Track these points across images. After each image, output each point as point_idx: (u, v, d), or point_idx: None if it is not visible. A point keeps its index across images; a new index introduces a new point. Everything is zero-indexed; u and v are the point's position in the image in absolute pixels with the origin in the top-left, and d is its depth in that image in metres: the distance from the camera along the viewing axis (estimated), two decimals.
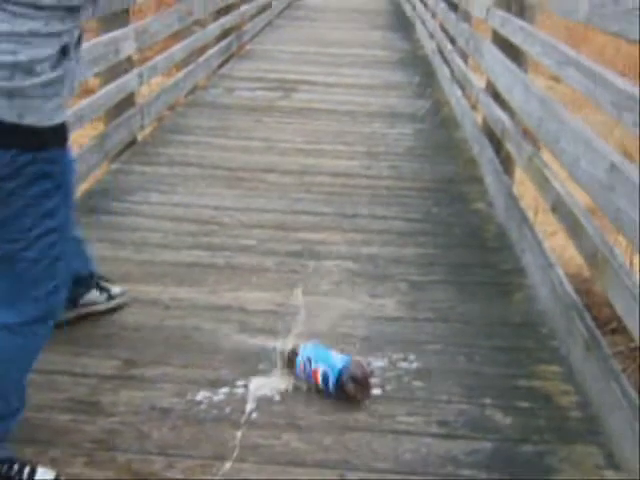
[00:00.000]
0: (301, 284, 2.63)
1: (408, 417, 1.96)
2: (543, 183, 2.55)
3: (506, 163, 3.26)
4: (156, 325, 2.38)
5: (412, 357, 2.22)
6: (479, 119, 4.06)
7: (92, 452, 1.80)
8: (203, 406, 1.98)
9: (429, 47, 7.37)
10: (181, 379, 2.09)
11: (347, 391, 2.00)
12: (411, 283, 2.71)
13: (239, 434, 1.88)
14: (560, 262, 2.54)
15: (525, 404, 2.03)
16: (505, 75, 3.27)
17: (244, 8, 7.81)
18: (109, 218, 3.22)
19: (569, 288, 2.26)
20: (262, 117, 4.91)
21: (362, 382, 2.02)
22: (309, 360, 2.06)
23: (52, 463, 1.75)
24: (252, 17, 8.45)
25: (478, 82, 4.16)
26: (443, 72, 5.90)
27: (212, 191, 3.58)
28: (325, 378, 2.02)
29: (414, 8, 9.72)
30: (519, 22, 3.15)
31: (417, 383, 2.10)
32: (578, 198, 2.25)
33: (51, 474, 1.69)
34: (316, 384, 2.04)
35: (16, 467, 1.66)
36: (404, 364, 2.19)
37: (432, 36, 7.10)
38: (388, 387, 2.08)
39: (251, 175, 3.79)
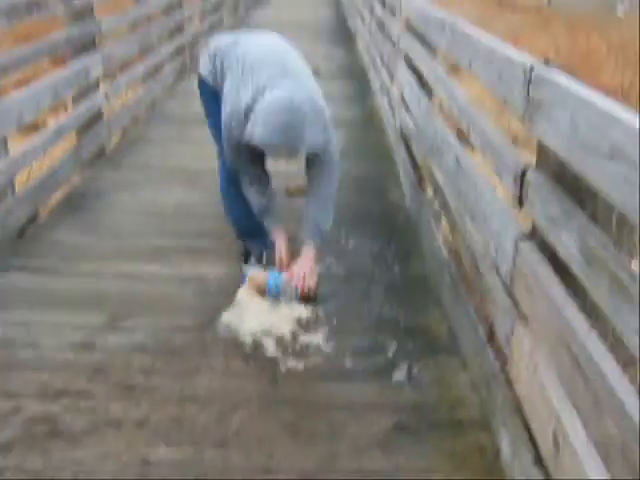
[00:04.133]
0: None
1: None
2: (429, 172, 3.33)
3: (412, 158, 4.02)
4: (133, 291, 3.08)
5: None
6: (397, 124, 4.82)
7: (90, 376, 2.50)
8: (172, 340, 2.70)
9: (366, 60, 8.15)
10: (154, 325, 2.81)
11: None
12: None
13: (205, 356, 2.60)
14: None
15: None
16: (408, 90, 4.05)
17: (196, 27, 8.51)
18: (89, 215, 3.90)
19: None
20: None
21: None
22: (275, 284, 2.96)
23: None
24: (205, 34, 9.14)
25: (395, 94, 4.93)
26: (375, 84, 6.68)
27: (172, 190, 4.29)
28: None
29: (363, 21, 10.48)
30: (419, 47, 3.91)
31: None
32: None
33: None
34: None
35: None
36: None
37: (368, 51, 7.88)
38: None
39: (204, 176, 4.48)
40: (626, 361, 1.42)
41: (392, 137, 5.04)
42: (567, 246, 1.52)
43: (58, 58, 4.70)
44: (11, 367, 2.53)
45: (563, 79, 1.58)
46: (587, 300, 1.52)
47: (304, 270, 2.91)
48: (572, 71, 1.62)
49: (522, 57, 1.89)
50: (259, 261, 3.17)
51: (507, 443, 1.94)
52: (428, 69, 3.48)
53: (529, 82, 1.76)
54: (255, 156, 2.86)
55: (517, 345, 1.85)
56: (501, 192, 2.20)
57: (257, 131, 2.57)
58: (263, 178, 3.00)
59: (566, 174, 1.63)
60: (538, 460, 1.71)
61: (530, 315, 1.77)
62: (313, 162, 2.90)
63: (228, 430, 2.24)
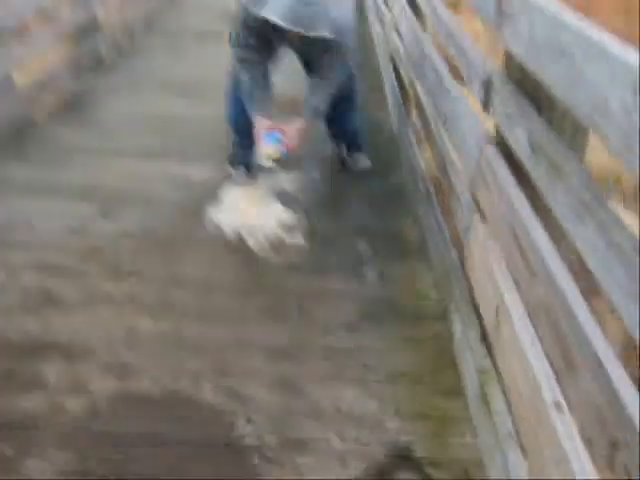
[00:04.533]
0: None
1: None
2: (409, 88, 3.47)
3: (399, 80, 4.15)
4: (123, 186, 3.26)
5: None
6: (388, 48, 4.92)
7: (83, 257, 2.69)
8: (160, 230, 2.89)
9: None
10: (143, 216, 2.99)
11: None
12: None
13: None
14: None
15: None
16: (402, 16, 4.15)
17: None
18: (85, 117, 4.06)
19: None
20: (207, 40, 5.70)
21: None
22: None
23: None
24: None
25: (389, 20, 5.01)
26: (370, 9, 6.72)
27: (168, 99, 4.42)
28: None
29: None
30: None
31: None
32: None
33: None
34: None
35: None
36: None
37: None
38: None
39: (200, 88, 4.60)
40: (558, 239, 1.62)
41: (382, 59, 5.15)
42: (518, 139, 1.71)
43: None
44: (8, 246, 2.73)
45: None
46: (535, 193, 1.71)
47: (294, 128, 3.06)
48: None
49: None
50: (245, 167, 3.32)
51: (459, 325, 2.17)
52: None
53: None
54: (263, 41, 3.00)
55: (473, 234, 2.05)
56: (473, 103, 2.36)
57: (271, 9, 2.67)
58: (264, 71, 3.11)
59: (527, 81, 1.80)
60: (483, 336, 1.93)
61: (485, 207, 1.96)
62: (327, 48, 2.96)
63: (207, 308, 2.45)
